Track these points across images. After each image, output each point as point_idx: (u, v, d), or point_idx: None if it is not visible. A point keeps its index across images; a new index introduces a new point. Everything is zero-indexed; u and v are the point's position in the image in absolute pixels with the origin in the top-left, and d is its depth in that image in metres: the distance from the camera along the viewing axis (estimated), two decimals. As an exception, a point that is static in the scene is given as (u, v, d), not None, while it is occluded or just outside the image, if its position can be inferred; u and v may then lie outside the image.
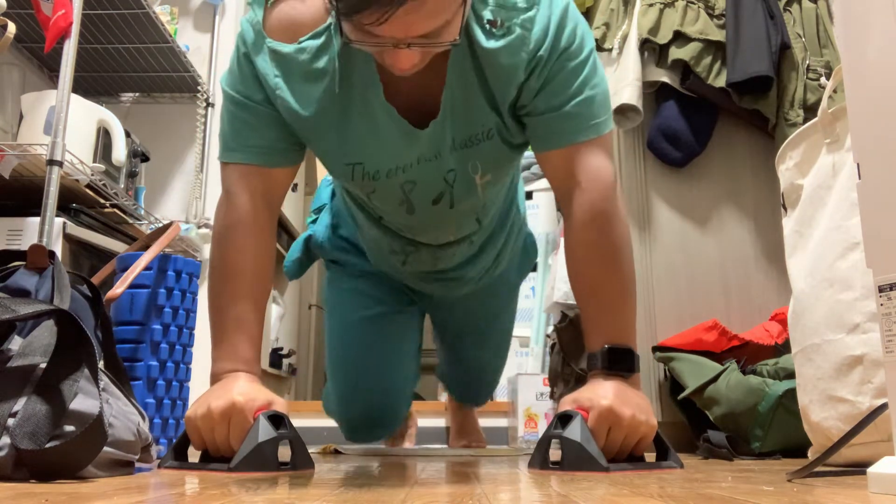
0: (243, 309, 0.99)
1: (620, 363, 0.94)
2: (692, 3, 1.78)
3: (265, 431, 0.85)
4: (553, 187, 1.05)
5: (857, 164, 0.65)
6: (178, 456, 0.93)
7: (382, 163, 1.04)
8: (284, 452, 0.88)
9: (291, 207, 3.65)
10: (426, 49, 0.85)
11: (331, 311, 1.46)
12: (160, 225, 1.60)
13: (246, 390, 0.90)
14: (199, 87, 2.78)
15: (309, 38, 0.97)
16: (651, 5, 1.78)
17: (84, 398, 0.71)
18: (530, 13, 0.95)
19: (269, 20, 0.98)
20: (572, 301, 1.85)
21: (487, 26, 0.94)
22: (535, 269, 2.62)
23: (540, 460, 0.90)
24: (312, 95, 0.98)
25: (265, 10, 0.99)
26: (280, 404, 0.91)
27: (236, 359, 0.96)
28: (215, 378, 0.96)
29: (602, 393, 0.89)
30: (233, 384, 0.91)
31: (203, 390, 0.95)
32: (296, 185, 3.79)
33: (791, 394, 1.17)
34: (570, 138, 0.99)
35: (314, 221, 1.51)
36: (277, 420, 0.88)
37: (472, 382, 1.82)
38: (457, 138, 1.02)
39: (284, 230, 3.52)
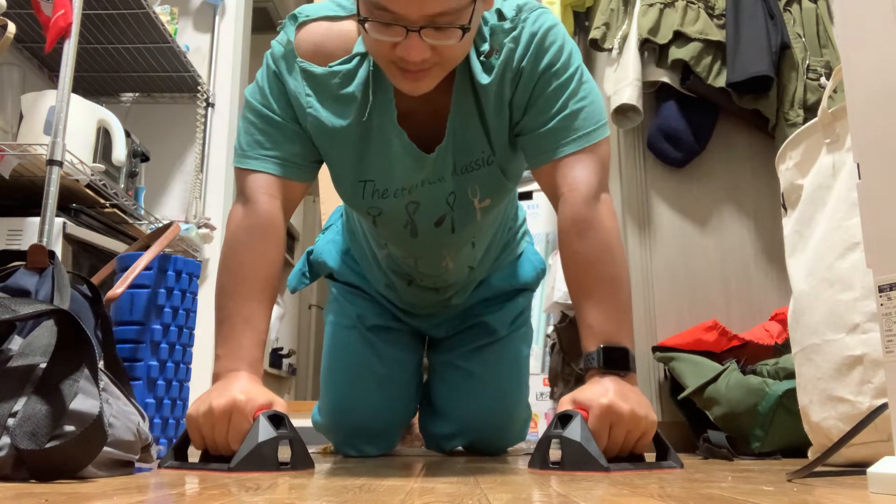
0: (253, 310, 1.00)
1: (616, 362, 0.94)
2: (692, 3, 1.78)
3: (265, 431, 0.85)
4: (549, 200, 1.07)
5: (857, 164, 0.65)
6: (178, 456, 0.93)
7: (392, 182, 1.10)
8: (284, 452, 0.88)
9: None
10: (437, 42, 0.89)
11: (330, 321, 1.45)
12: (160, 225, 1.60)
13: (247, 389, 0.90)
14: (199, 87, 2.78)
15: (340, 63, 1.03)
16: (651, 5, 1.78)
17: (84, 398, 0.71)
18: (515, 32, 1.02)
19: (300, 41, 1.05)
20: (572, 301, 1.85)
21: (484, 59, 1.01)
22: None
23: (540, 460, 0.90)
24: (340, 115, 1.05)
25: (296, 30, 1.05)
26: (280, 404, 0.91)
27: (240, 358, 0.97)
28: (217, 377, 0.96)
29: (600, 391, 0.89)
30: (234, 383, 0.92)
31: (203, 390, 0.95)
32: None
33: (791, 394, 1.17)
34: (555, 152, 1.02)
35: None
36: (277, 420, 0.88)
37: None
38: (458, 164, 1.09)
39: (284, 230, 3.51)
